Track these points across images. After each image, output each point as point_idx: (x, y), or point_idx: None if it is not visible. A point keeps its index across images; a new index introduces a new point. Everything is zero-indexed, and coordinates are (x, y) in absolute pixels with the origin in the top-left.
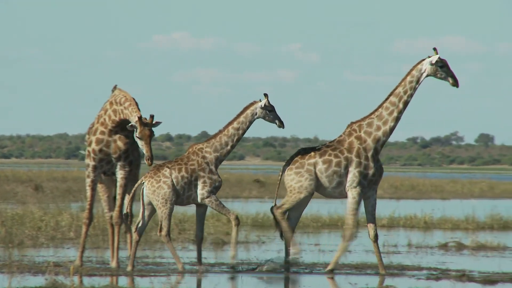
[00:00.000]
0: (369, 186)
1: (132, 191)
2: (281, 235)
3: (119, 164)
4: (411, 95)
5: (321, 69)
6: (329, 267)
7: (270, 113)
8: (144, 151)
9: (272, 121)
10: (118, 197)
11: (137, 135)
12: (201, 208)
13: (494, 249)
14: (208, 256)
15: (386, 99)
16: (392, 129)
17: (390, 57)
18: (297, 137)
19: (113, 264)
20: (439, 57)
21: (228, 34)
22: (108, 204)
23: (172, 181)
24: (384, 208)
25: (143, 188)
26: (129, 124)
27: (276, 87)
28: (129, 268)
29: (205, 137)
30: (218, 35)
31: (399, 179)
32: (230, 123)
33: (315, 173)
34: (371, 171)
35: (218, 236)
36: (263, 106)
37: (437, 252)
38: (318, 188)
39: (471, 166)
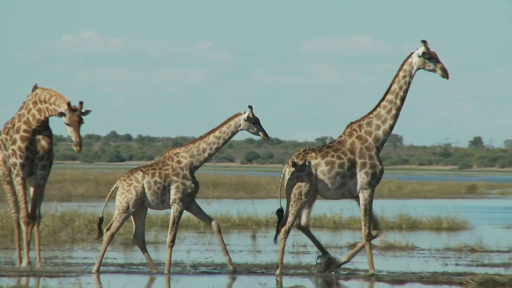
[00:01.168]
0: (378, 183)
1: (108, 195)
2: (275, 239)
3: (40, 164)
4: (406, 90)
5: (231, 69)
6: (370, 271)
7: (254, 125)
8: (73, 138)
9: (256, 133)
10: (33, 197)
11: (66, 121)
12: (193, 208)
13: (402, 249)
14: (118, 256)
15: (383, 97)
16: (391, 127)
17: (299, 57)
18: None
19: (23, 264)
20: (425, 49)
21: (137, 34)
22: (16, 205)
23: (142, 186)
24: None
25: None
26: (59, 111)
27: (186, 87)
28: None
29: (114, 137)
30: (127, 34)
31: None
32: (212, 131)
33: (316, 176)
34: (378, 169)
35: (127, 237)
36: (246, 118)
37: (346, 252)
38: (319, 190)
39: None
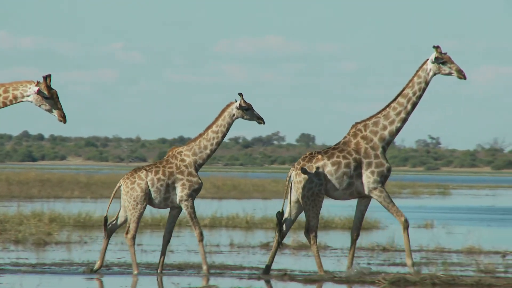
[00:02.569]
0: (386, 180)
1: (112, 194)
2: (279, 244)
3: None
4: (419, 97)
5: (143, 68)
6: (408, 263)
7: (247, 112)
8: (56, 113)
9: (251, 119)
10: None
11: (48, 95)
12: (175, 210)
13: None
14: (30, 256)
15: (394, 99)
16: (398, 130)
17: (211, 57)
18: (120, 137)
19: None
20: (438, 54)
21: (47, 33)
22: None
23: (146, 183)
24: (206, 208)
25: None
26: (35, 90)
27: (97, 87)
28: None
29: (26, 136)
30: (37, 34)
31: (221, 179)
32: (209, 126)
33: (324, 176)
34: (385, 167)
35: (40, 237)
36: (238, 106)
37: (259, 251)
38: (328, 191)
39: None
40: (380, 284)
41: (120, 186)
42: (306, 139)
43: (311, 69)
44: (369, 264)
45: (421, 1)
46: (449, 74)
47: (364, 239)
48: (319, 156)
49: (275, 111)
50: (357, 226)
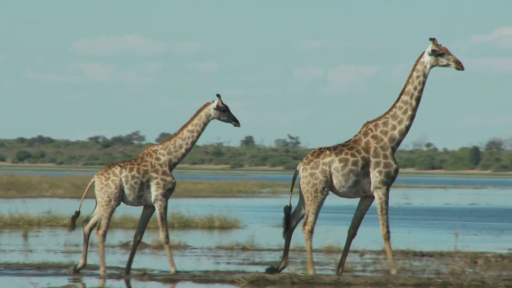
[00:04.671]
0: (392, 182)
1: (86, 190)
2: (284, 233)
3: None
4: (421, 90)
5: (2, 67)
6: (392, 272)
7: (224, 113)
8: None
9: (227, 121)
10: None
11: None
12: (148, 210)
13: (175, 248)
14: None
15: (398, 98)
16: (408, 128)
17: (71, 56)
18: None
19: None
20: (434, 46)
21: None
22: None
23: (120, 180)
24: (66, 207)
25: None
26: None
27: None
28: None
29: None
30: None
31: (80, 178)
32: (185, 125)
33: (330, 173)
34: (393, 168)
35: None
36: (216, 107)
37: (118, 251)
38: (334, 188)
39: None
40: (240, 283)
41: (93, 182)
42: (166, 138)
43: (171, 69)
44: (228, 263)
45: (281, 1)
46: (447, 65)
47: (224, 239)
48: (327, 152)
49: (135, 110)
50: (355, 225)
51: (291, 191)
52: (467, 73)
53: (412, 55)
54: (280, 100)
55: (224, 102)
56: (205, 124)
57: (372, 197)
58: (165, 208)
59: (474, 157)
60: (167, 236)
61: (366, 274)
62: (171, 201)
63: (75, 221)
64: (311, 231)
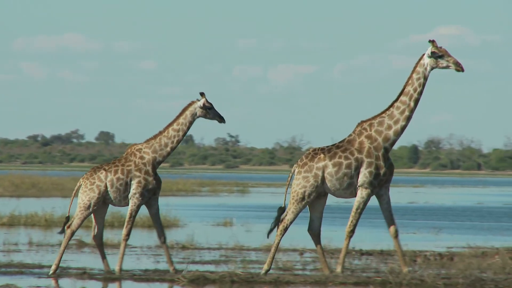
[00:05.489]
0: (379, 185)
1: (73, 193)
2: (269, 233)
3: None
4: (420, 92)
5: None
6: (338, 269)
7: (209, 111)
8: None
9: (213, 119)
10: None
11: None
12: (152, 209)
13: (115, 247)
14: None
15: (397, 98)
16: (403, 128)
17: (9, 55)
18: None
19: None
20: (434, 48)
21: None
22: None
23: (105, 185)
24: (5, 206)
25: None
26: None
27: None
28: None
29: None
30: None
31: (19, 177)
32: (170, 124)
33: (323, 178)
34: (382, 171)
35: None
36: (202, 105)
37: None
38: (329, 190)
39: (92, 163)
40: (180, 282)
41: (80, 186)
42: (106, 137)
43: (109, 67)
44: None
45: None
46: (447, 67)
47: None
48: (322, 156)
49: (74, 109)
50: (389, 220)
51: (286, 192)
52: (406, 71)
53: (349, 54)
54: (220, 99)
55: (164, 100)
56: (190, 123)
57: (381, 194)
58: (138, 207)
59: (413, 156)
60: (127, 234)
61: (306, 273)
62: None
63: (65, 227)
64: (286, 229)
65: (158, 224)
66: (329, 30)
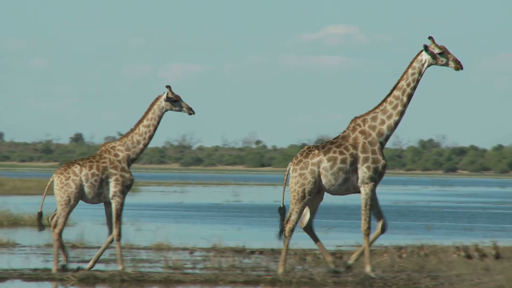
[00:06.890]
0: (380, 178)
1: (46, 189)
2: (280, 234)
3: None
4: (414, 88)
5: None
6: (367, 269)
7: (175, 103)
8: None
9: (181, 110)
10: None
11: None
12: (109, 208)
13: (3, 246)
14: None
15: (390, 93)
16: (396, 123)
17: None
18: None
19: None
20: (433, 45)
21: None
22: None
23: (81, 179)
24: None
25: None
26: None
27: None
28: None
29: None
30: None
31: None
32: (140, 121)
33: (319, 173)
34: (381, 164)
35: None
36: (166, 98)
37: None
38: (324, 186)
39: None
40: (69, 281)
41: (52, 181)
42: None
43: None
44: (58, 261)
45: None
46: (446, 64)
47: (19, 236)
48: (316, 152)
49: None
50: (379, 217)
51: (283, 191)
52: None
53: (240, 53)
54: (110, 97)
55: (55, 99)
56: (159, 117)
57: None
58: (122, 205)
59: None
60: (119, 234)
61: (196, 272)
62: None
63: (41, 221)
64: (292, 230)
65: (111, 223)
66: (219, 29)
